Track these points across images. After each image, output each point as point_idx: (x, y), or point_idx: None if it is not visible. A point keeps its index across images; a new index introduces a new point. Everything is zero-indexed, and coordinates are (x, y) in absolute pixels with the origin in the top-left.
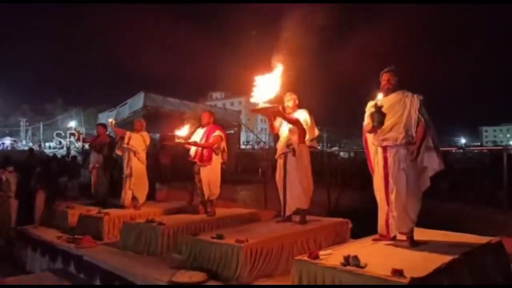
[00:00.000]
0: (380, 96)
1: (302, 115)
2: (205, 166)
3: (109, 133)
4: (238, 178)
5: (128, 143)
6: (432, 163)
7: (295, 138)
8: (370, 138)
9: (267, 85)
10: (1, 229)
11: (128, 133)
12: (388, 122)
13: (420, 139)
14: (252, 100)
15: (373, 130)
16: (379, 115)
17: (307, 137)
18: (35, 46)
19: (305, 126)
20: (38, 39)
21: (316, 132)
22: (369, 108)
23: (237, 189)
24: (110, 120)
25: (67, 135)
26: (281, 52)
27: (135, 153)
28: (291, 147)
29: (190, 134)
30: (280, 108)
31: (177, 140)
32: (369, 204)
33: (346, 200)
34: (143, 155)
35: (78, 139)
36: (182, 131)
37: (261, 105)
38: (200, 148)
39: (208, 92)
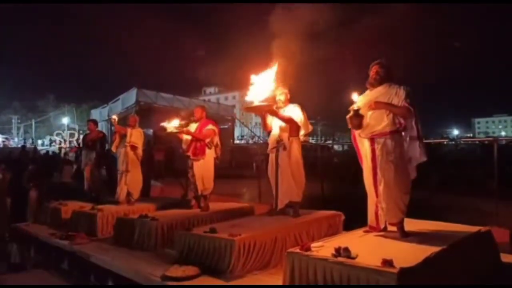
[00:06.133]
0: (355, 96)
1: (296, 112)
2: (198, 160)
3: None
4: (232, 173)
5: (129, 141)
6: (415, 153)
7: (285, 135)
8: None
9: (263, 84)
10: None
11: (129, 130)
12: (374, 114)
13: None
14: (247, 98)
15: (359, 128)
16: (356, 118)
17: (302, 132)
18: (26, 42)
19: (299, 123)
20: (29, 35)
21: (310, 127)
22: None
23: (231, 184)
24: (113, 117)
25: (66, 134)
26: (276, 47)
27: (134, 149)
28: (281, 143)
29: (182, 126)
30: (274, 107)
31: (168, 130)
32: (362, 196)
33: (339, 192)
34: (140, 151)
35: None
36: (172, 123)
37: (256, 103)
38: (193, 142)
39: (202, 87)
